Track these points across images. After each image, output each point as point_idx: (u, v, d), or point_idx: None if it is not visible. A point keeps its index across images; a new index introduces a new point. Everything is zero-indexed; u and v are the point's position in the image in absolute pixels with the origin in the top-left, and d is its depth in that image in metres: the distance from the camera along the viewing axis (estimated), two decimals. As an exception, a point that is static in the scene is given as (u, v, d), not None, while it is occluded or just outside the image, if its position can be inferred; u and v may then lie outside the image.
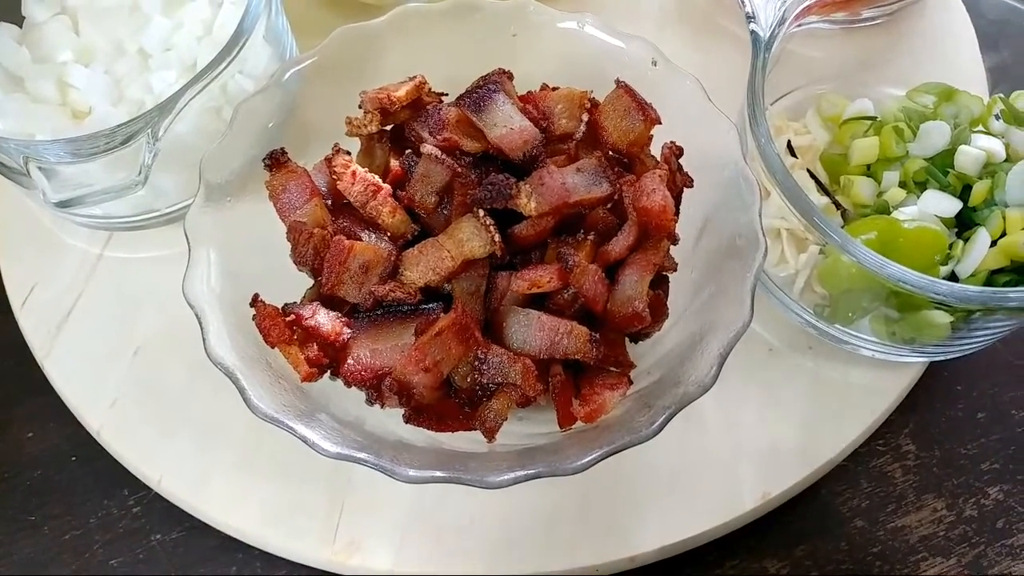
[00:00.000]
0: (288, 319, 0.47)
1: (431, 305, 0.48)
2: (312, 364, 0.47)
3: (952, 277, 0.54)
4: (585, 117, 0.52)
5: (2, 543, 0.58)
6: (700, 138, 0.52)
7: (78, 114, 0.58)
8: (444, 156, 0.49)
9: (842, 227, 0.54)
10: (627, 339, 0.51)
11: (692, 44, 0.71)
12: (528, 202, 0.48)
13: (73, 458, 0.60)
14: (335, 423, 0.46)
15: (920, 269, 0.49)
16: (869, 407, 0.57)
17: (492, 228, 0.48)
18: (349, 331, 0.48)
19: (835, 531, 0.58)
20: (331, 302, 0.49)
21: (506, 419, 0.46)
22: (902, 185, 0.57)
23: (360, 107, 0.52)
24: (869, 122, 0.60)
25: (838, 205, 0.58)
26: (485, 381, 0.46)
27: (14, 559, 0.57)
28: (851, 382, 0.58)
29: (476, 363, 0.46)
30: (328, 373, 0.48)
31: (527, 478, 0.42)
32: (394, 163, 0.54)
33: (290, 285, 0.51)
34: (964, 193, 0.56)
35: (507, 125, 0.51)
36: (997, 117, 0.59)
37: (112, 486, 0.59)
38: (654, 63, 0.55)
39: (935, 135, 0.57)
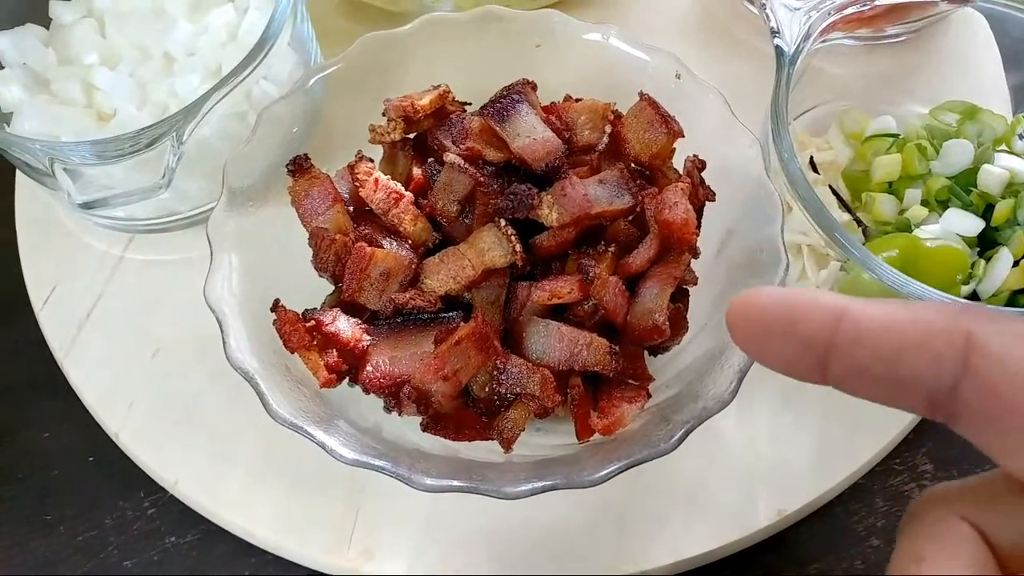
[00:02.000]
0: (308, 325, 0.47)
1: (451, 314, 0.48)
2: (331, 370, 0.47)
3: (974, 297, 0.54)
4: (608, 129, 0.52)
5: (17, 542, 0.58)
6: (723, 152, 0.52)
7: (103, 116, 0.59)
8: (467, 165, 0.50)
9: (863, 244, 0.54)
10: (646, 352, 0.51)
11: (715, 58, 0.71)
12: (550, 213, 0.48)
13: (89, 459, 0.60)
14: (353, 430, 0.46)
15: (941, 288, 0.48)
16: (886, 425, 0.57)
17: (513, 238, 0.48)
18: (369, 338, 0.48)
19: (850, 550, 0.57)
20: (351, 309, 0.49)
21: (524, 430, 0.46)
22: (924, 203, 0.57)
23: (383, 115, 0.53)
24: (892, 139, 0.60)
25: (859, 222, 0.58)
26: (503, 391, 0.46)
27: (28, 558, 0.57)
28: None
29: (495, 373, 0.46)
30: (347, 380, 0.48)
31: (544, 489, 0.42)
32: (417, 171, 0.54)
33: (311, 291, 0.51)
34: (987, 212, 0.56)
35: (530, 136, 0.51)
36: (1021, 136, 0.59)
37: (128, 488, 0.59)
38: (678, 76, 0.55)
39: (958, 153, 0.57)
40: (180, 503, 0.56)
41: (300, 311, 0.48)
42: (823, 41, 0.60)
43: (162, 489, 0.57)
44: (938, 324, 0.24)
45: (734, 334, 0.27)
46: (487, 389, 0.46)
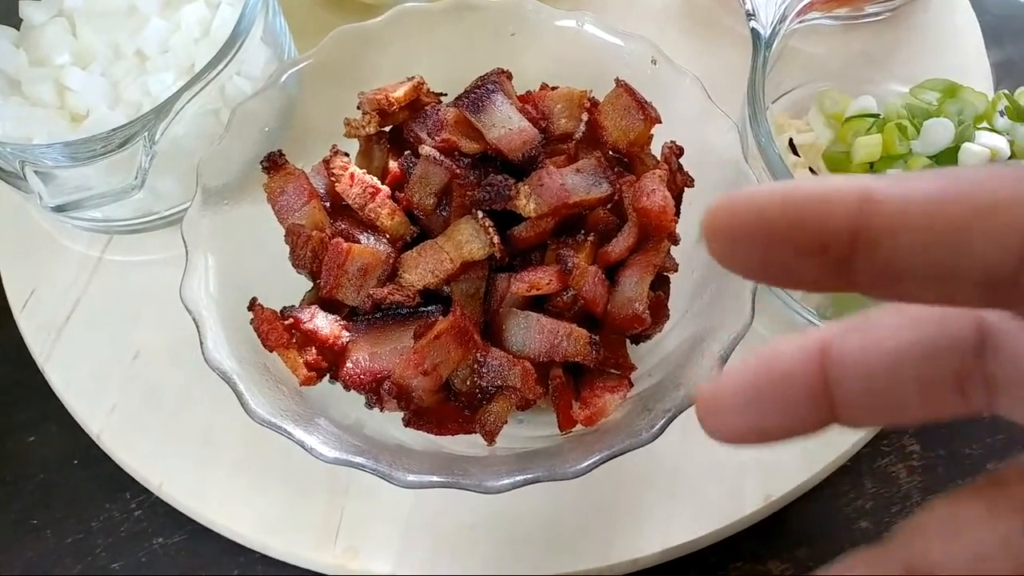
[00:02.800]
0: (286, 323, 0.47)
1: (430, 308, 0.48)
2: (311, 368, 0.46)
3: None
4: (585, 117, 0.52)
5: (5, 546, 0.58)
6: (701, 137, 0.52)
7: (76, 117, 0.58)
8: (443, 157, 0.49)
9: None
10: (628, 341, 0.51)
11: (693, 42, 0.71)
12: (527, 203, 0.48)
13: (75, 462, 0.60)
14: (334, 427, 0.46)
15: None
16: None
17: (491, 230, 0.48)
18: (348, 334, 0.48)
19: (839, 532, 0.57)
20: (330, 305, 0.49)
21: (506, 422, 0.46)
22: (905, 183, 0.56)
23: (358, 108, 0.52)
24: (872, 119, 0.59)
25: (841, 204, 0.57)
26: (484, 384, 0.45)
27: (17, 562, 0.57)
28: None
29: (475, 366, 0.45)
30: (327, 377, 0.48)
31: (527, 482, 0.42)
32: (393, 165, 0.54)
33: (289, 288, 0.51)
34: (968, 191, 0.56)
35: (506, 125, 0.50)
36: (1002, 114, 0.58)
37: (114, 490, 0.58)
38: (654, 62, 0.55)
39: (939, 132, 0.57)
40: (166, 504, 0.56)
41: (278, 309, 0.48)
42: (800, 22, 0.59)
43: (148, 491, 0.57)
44: (1005, 193, 0.18)
45: (715, 246, 0.21)
46: (468, 382, 0.46)
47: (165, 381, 0.58)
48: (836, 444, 0.56)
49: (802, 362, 0.22)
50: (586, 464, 0.42)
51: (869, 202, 0.19)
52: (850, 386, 0.22)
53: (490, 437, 0.46)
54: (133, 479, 0.57)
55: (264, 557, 0.55)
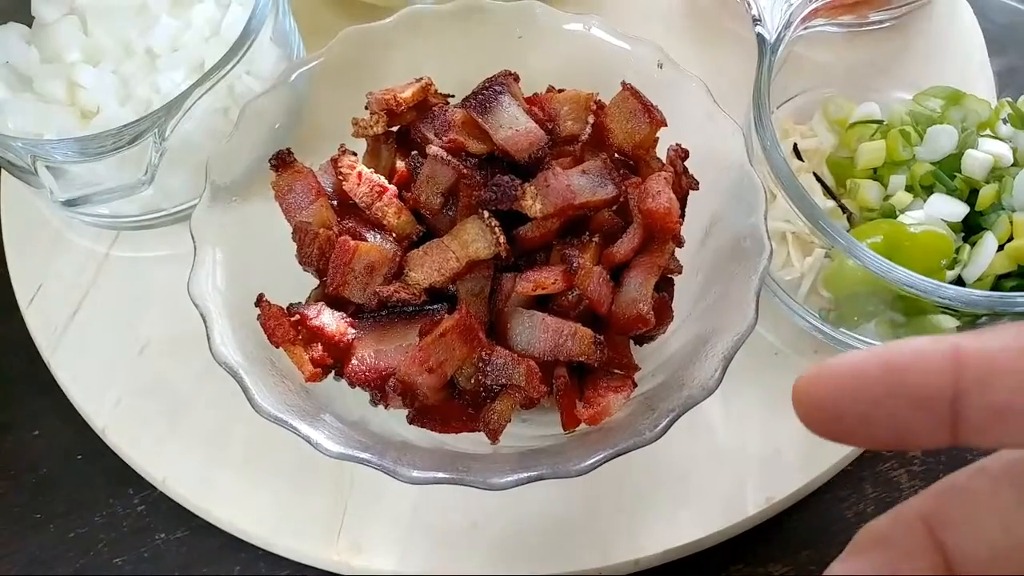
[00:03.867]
0: (293, 319, 0.47)
1: (436, 306, 0.48)
2: (316, 364, 0.47)
3: (959, 282, 0.54)
4: (591, 119, 0.52)
5: (8, 541, 0.58)
6: (706, 141, 0.52)
7: (86, 114, 0.58)
8: (450, 157, 0.49)
9: (848, 231, 0.54)
10: (631, 341, 0.51)
11: (698, 47, 0.71)
12: (533, 204, 0.48)
13: (79, 456, 0.60)
14: (339, 423, 0.46)
15: (926, 273, 0.48)
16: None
17: (497, 229, 0.48)
18: (354, 331, 0.48)
19: (840, 536, 0.57)
20: (336, 302, 0.49)
21: (509, 421, 0.46)
22: (909, 189, 0.57)
23: (366, 108, 0.52)
24: (876, 126, 0.60)
25: (844, 209, 0.58)
26: (489, 382, 0.46)
27: (19, 556, 0.57)
28: (857, 386, 0.58)
29: (480, 364, 0.46)
30: (332, 373, 0.48)
31: (530, 480, 0.42)
32: (400, 164, 0.54)
33: (295, 285, 0.51)
34: (971, 197, 0.56)
35: (513, 127, 0.51)
36: (1005, 121, 0.59)
37: (117, 485, 0.59)
38: (660, 65, 0.55)
39: (942, 139, 0.57)
40: (169, 500, 0.56)
41: (285, 305, 0.48)
42: (805, 28, 0.59)
43: (151, 486, 0.57)
44: None
45: (812, 421, 0.22)
46: (473, 381, 0.46)
47: (170, 376, 0.59)
48: (837, 448, 0.56)
49: (937, 371, 0.21)
50: (590, 462, 0.42)
51: (962, 354, 0.21)
52: (985, 405, 0.21)
53: (494, 436, 0.46)
54: (137, 474, 0.57)
55: (267, 553, 0.55)
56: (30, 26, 0.62)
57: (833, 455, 0.56)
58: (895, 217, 0.55)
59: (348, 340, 0.48)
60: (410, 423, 0.47)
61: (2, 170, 0.67)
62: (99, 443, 0.58)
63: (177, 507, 0.56)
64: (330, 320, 0.48)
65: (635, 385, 0.49)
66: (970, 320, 0.52)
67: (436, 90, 0.54)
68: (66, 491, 0.59)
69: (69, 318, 0.61)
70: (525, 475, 0.42)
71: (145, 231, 0.63)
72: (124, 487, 0.59)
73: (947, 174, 0.56)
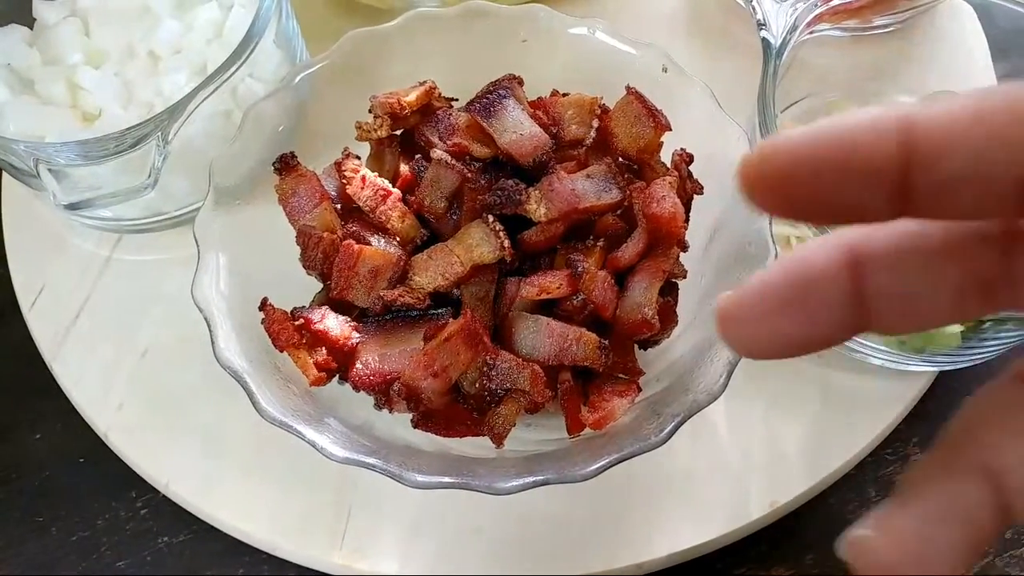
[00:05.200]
0: (297, 323, 0.47)
1: (440, 310, 0.48)
2: (321, 368, 0.47)
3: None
4: (595, 123, 0.52)
5: (10, 544, 0.58)
6: (710, 145, 0.52)
7: (88, 116, 0.58)
8: (454, 161, 0.49)
9: (852, 235, 0.54)
10: (636, 346, 0.51)
11: (703, 51, 0.71)
12: (538, 208, 0.48)
13: (81, 460, 0.60)
14: (343, 427, 0.46)
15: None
16: (878, 416, 0.57)
17: (502, 234, 0.48)
18: (358, 336, 0.48)
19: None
20: (340, 306, 0.49)
21: (514, 425, 0.46)
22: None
23: (370, 111, 0.52)
24: (880, 130, 0.60)
25: (848, 213, 0.58)
26: (493, 387, 0.46)
27: (22, 559, 0.57)
28: (860, 391, 0.58)
29: (485, 369, 0.46)
30: (337, 377, 0.48)
31: (535, 484, 0.42)
32: (404, 168, 0.54)
33: (299, 289, 0.51)
34: (975, 202, 0.56)
35: (517, 131, 0.51)
36: (1008, 126, 0.59)
37: (120, 488, 0.59)
38: (664, 70, 0.55)
39: (946, 144, 0.57)
40: (172, 503, 0.56)
41: (289, 309, 0.48)
42: (810, 32, 0.59)
43: (154, 489, 0.57)
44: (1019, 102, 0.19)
45: (757, 196, 0.21)
46: (477, 385, 0.46)
47: (173, 380, 0.58)
48: (841, 452, 0.56)
49: (833, 265, 0.21)
50: (595, 467, 0.42)
51: (913, 125, 0.20)
52: (884, 289, 0.21)
53: (498, 440, 0.46)
54: (139, 477, 0.57)
55: (270, 557, 0.55)
56: (31, 28, 0.62)
57: (837, 459, 0.56)
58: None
59: (352, 344, 0.47)
60: (414, 427, 0.47)
61: (3, 173, 0.67)
62: (101, 447, 0.58)
63: (180, 510, 0.56)
64: (334, 324, 0.48)
65: (640, 390, 0.49)
66: (974, 325, 0.52)
67: (440, 94, 0.54)
68: (68, 494, 0.59)
69: (71, 322, 0.61)
70: (530, 480, 0.42)
71: (148, 234, 0.63)
72: (127, 490, 0.58)
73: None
